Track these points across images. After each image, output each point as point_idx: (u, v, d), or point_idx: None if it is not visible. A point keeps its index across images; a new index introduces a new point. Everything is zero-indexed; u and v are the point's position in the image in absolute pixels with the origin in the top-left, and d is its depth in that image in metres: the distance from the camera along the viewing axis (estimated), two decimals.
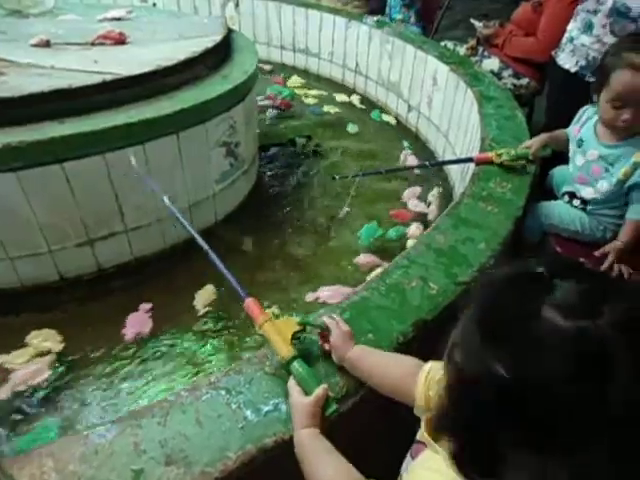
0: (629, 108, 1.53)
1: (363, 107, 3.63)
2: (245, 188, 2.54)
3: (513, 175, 1.75)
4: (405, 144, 3.08)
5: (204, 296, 1.96)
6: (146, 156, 1.87)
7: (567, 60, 2.06)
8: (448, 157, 2.74)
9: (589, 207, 1.76)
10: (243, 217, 2.44)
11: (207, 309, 1.92)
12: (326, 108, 3.57)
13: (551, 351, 0.52)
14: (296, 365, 0.95)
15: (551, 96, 2.16)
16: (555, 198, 1.93)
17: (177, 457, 0.86)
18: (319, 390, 0.90)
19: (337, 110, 3.55)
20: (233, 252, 2.22)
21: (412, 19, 3.96)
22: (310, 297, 1.95)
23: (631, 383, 0.49)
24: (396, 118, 3.45)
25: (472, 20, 3.38)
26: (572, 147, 1.80)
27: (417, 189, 2.56)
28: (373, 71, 3.60)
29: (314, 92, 3.80)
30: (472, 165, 1.90)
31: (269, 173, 2.84)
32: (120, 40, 2.28)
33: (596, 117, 1.71)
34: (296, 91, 3.78)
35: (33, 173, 1.67)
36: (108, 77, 1.83)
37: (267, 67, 4.17)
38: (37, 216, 1.76)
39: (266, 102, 3.52)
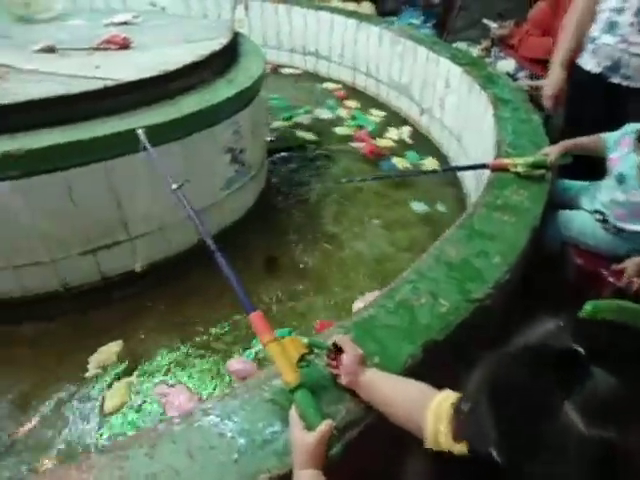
0: None
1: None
2: (252, 195, 2.48)
3: (530, 182, 1.66)
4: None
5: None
6: (150, 163, 1.81)
7: (588, 61, 1.95)
8: (462, 162, 2.65)
9: (625, 235, 1.64)
10: (250, 224, 2.38)
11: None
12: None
13: (568, 459, 0.46)
14: (300, 395, 0.86)
15: (571, 99, 2.06)
16: (569, 207, 1.82)
17: None
18: (323, 427, 0.81)
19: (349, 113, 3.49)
20: (239, 260, 2.16)
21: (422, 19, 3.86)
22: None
23: None
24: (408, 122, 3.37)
25: (485, 20, 3.29)
26: (611, 179, 1.67)
27: None
28: (384, 74, 3.53)
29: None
30: (487, 172, 1.82)
31: (278, 178, 2.78)
32: (124, 44, 2.24)
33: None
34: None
35: (32, 182, 1.63)
36: (109, 83, 1.79)
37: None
38: (38, 225, 1.72)
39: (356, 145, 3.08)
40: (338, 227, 2.40)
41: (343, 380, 0.94)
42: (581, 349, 0.50)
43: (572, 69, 2.04)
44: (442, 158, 2.95)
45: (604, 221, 1.67)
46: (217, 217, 2.22)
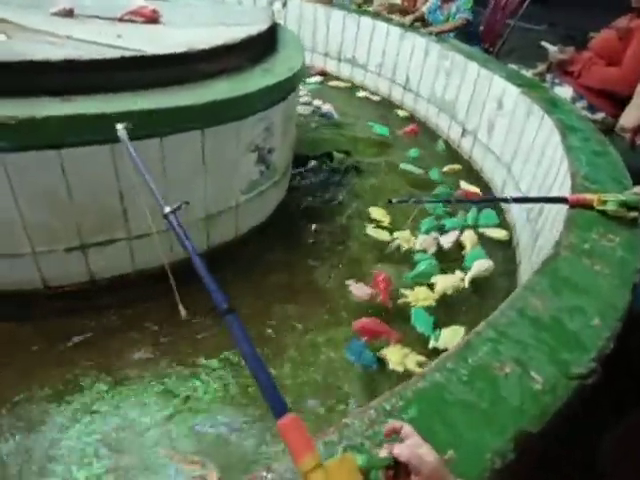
0: None
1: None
2: (273, 202, 2.20)
3: (618, 225, 1.37)
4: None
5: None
6: (163, 152, 1.54)
7: None
8: (509, 192, 2.37)
9: None
10: (267, 235, 2.09)
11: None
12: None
13: None
14: None
15: None
16: None
17: None
18: None
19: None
20: (250, 275, 1.87)
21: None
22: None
23: None
24: (446, 142, 3.10)
25: (544, 43, 3.02)
26: None
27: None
28: (425, 88, 3.27)
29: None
30: (556, 208, 1.54)
31: (301, 188, 2.50)
32: (152, 18, 1.98)
33: None
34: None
35: (22, 157, 1.35)
36: (128, 53, 1.52)
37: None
38: (21, 210, 1.43)
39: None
40: (364, 248, 2.11)
41: None
42: None
43: None
44: (481, 184, 2.67)
45: None
46: (232, 223, 1.94)
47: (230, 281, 1.81)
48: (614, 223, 1.38)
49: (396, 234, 2.11)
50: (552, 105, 2.21)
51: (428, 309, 1.75)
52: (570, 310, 1.03)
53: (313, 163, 2.67)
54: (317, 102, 3.32)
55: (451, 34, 3.32)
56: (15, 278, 1.56)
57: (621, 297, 1.09)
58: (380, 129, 3.14)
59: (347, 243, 2.13)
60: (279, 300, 1.79)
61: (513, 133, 2.41)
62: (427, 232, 2.13)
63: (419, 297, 1.79)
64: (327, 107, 3.24)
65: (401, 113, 3.45)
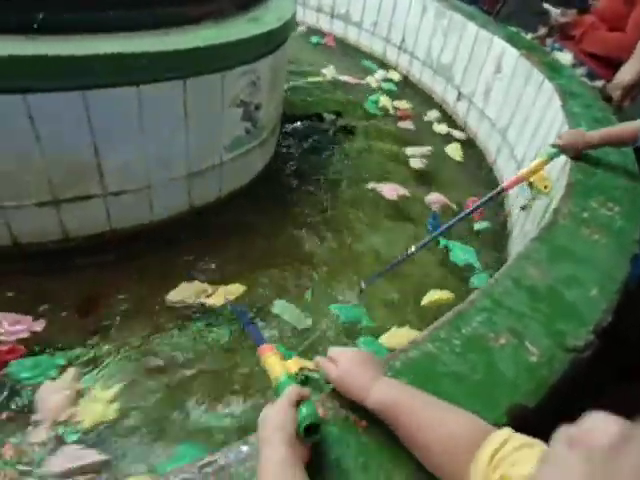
0: None
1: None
2: (259, 162, 2.10)
3: (621, 193, 1.32)
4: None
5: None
6: (140, 103, 1.43)
7: None
8: (505, 158, 2.30)
9: None
10: (252, 197, 2.00)
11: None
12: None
13: None
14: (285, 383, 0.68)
15: None
16: None
17: None
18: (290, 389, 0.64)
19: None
20: (233, 236, 1.80)
21: None
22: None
23: None
24: (441, 107, 3.00)
25: (546, 5, 2.89)
26: None
27: None
28: (421, 49, 3.13)
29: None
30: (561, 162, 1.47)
31: (289, 149, 2.40)
32: None
33: None
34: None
35: None
36: None
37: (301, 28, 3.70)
38: None
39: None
40: (351, 214, 2.04)
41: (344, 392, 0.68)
42: None
43: None
44: (476, 151, 2.60)
45: None
46: (215, 182, 1.84)
47: (209, 241, 1.75)
48: (614, 191, 1.33)
49: None
50: (552, 70, 2.12)
51: None
52: (567, 280, 0.98)
53: (302, 123, 2.56)
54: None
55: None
56: None
57: (620, 268, 1.05)
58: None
59: (334, 208, 2.06)
60: (258, 263, 1.72)
61: (511, 98, 2.32)
62: None
63: None
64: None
65: (395, 76, 3.32)
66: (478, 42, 2.61)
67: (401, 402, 0.62)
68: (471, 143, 2.68)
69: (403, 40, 3.25)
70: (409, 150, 2.47)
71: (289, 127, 2.53)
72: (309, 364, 0.73)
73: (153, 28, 1.48)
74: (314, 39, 3.67)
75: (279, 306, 1.55)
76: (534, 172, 1.39)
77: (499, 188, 1.41)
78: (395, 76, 3.32)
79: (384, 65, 3.42)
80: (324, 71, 3.16)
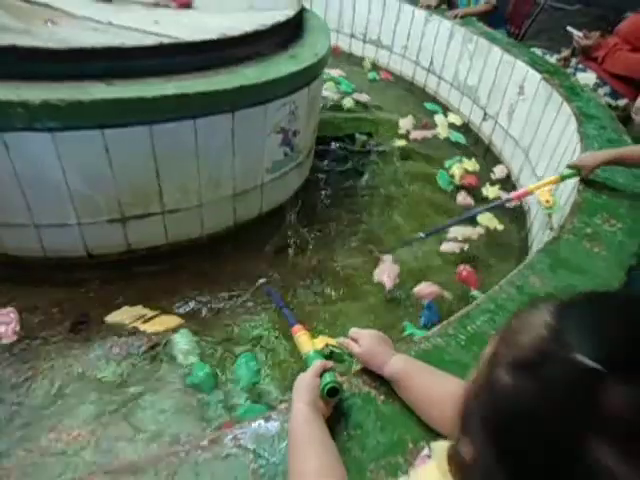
0: None
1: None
2: (296, 182, 2.31)
3: (624, 212, 1.44)
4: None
5: None
6: (196, 133, 1.67)
7: None
8: (527, 175, 2.43)
9: None
10: (289, 214, 2.21)
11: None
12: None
13: None
14: (313, 357, 0.87)
15: None
16: None
17: None
18: (317, 363, 0.83)
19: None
20: (271, 249, 2.01)
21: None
22: None
23: None
24: (467, 125, 3.15)
25: (569, 28, 3.02)
26: None
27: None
28: (449, 72, 3.30)
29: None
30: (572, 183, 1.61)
31: (324, 169, 2.60)
32: (186, 3, 2.09)
33: None
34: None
35: (70, 136, 1.49)
36: (166, 40, 1.63)
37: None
38: (69, 184, 1.58)
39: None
40: (381, 231, 2.21)
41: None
42: (596, 364, 0.33)
43: None
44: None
45: None
46: (257, 200, 2.06)
47: (252, 254, 1.96)
48: (620, 209, 1.45)
49: None
50: (572, 92, 2.24)
51: None
52: (565, 288, 1.13)
53: (336, 145, 2.76)
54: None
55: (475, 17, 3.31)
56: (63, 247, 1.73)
57: (615, 277, 1.18)
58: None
59: (365, 224, 2.24)
60: (292, 274, 1.91)
61: (532, 119, 2.45)
62: None
63: None
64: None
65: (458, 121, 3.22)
66: (502, 65, 2.76)
67: (411, 371, 0.81)
68: (495, 160, 2.80)
69: (431, 63, 3.43)
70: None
71: (324, 148, 2.73)
72: (333, 341, 0.91)
73: (206, 69, 1.72)
74: (371, 75, 3.71)
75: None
76: (541, 187, 1.53)
77: (507, 197, 1.56)
78: (458, 120, 3.19)
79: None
80: (401, 124, 3.06)
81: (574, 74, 2.86)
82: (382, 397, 0.84)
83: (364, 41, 3.92)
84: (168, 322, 1.64)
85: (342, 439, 0.77)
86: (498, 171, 2.67)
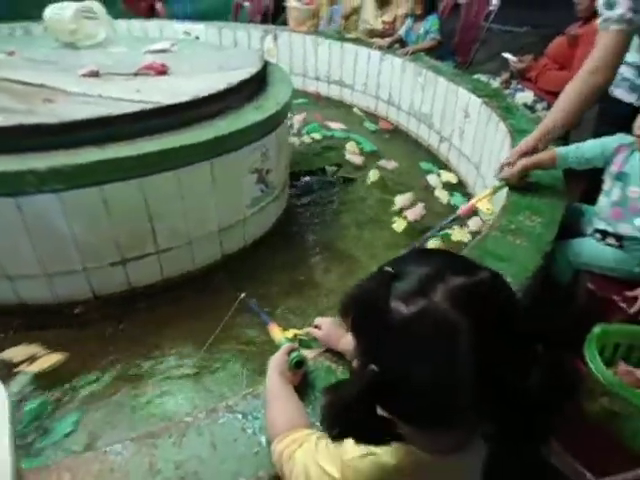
0: None
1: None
2: (275, 214, 2.58)
3: (545, 208, 1.72)
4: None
5: None
6: (179, 180, 1.94)
7: (625, 96, 2.04)
8: (480, 189, 2.72)
9: (625, 243, 1.69)
10: (272, 241, 2.48)
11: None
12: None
13: (402, 337, 0.56)
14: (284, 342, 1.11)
15: (600, 129, 2.11)
16: (577, 234, 1.87)
17: (191, 479, 0.86)
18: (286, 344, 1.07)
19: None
20: (260, 274, 2.25)
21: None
22: None
23: (477, 345, 0.53)
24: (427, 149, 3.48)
25: (505, 54, 3.39)
26: (608, 181, 1.74)
27: None
28: (405, 102, 3.65)
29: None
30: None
31: (299, 200, 2.89)
32: (162, 71, 2.40)
33: None
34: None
35: (73, 195, 1.76)
36: (148, 106, 1.93)
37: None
38: (75, 235, 1.84)
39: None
40: (357, 248, 2.48)
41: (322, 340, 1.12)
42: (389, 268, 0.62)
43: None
44: (460, 184, 3.03)
45: (604, 237, 1.72)
46: (241, 233, 2.32)
47: (240, 280, 2.20)
48: (541, 207, 1.73)
49: None
50: (507, 112, 2.56)
51: None
52: None
53: (308, 178, 3.06)
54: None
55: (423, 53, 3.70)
56: (71, 291, 1.97)
57: (533, 262, 1.44)
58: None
59: (340, 246, 2.51)
60: (283, 293, 2.16)
61: (478, 138, 2.77)
62: None
63: None
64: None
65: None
66: (449, 93, 3.10)
67: None
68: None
69: (390, 96, 3.78)
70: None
71: (298, 181, 3.02)
72: (301, 332, 1.16)
73: (185, 126, 2.01)
74: (371, 126, 3.83)
75: None
76: (481, 199, 1.81)
77: (455, 215, 1.83)
78: (453, 179, 3.06)
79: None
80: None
81: (514, 94, 3.21)
82: (340, 368, 1.08)
83: (328, 82, 4.29)
84: (50, 360, 1.75)
85: (309, 400, 1.01)
86: None
